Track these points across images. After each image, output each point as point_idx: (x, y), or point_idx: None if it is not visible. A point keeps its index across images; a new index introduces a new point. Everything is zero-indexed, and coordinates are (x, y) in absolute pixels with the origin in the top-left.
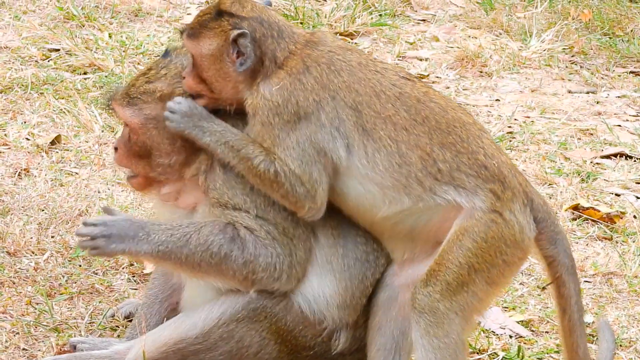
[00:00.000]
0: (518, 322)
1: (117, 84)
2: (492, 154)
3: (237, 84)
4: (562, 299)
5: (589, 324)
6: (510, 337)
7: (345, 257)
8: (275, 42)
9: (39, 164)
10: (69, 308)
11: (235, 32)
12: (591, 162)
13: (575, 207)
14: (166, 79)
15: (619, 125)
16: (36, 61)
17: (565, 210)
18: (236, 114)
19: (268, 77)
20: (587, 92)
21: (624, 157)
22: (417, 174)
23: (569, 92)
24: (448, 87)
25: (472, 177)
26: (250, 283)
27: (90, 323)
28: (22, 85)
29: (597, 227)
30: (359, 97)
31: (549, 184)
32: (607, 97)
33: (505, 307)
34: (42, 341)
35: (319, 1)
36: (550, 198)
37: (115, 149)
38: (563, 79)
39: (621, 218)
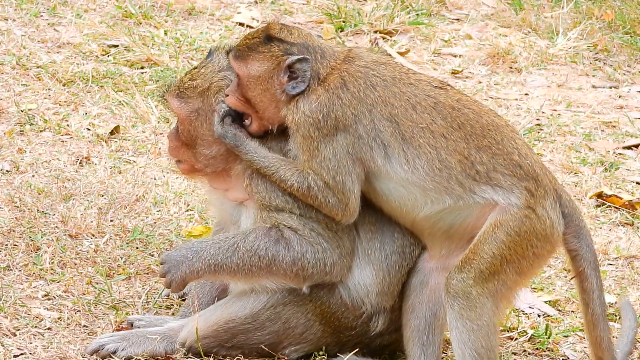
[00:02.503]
0: (546, 302)
1: (172, 78)
2: (525, 154)
3: (279, 104)
4: (585, 293)
5: (611, 303)
6: (539, 316)
7: (383, 250)
8: (319, 63)
9: (99, 152)
10: (126, 287)
11: (294, 57)
12: (614, 153)
13: (599, 195)
14: (205, 76)
15: None
16: (96, 56)
17: (590, 197)
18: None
19: (307, 95)
20: (610, 87)
21: None
22: (457, 176)
23: (593, 87)
24: (480, 82)
25: (508, 177)
26: (302, 279)
27: (146, 302)
28: (84, 79)
29: (620, 213)
30: (395, 109)
31: (575, 173)
32: (628, 91)
33: (534, 288)
34: (102, 318)
35: (360, 1)
36: (576, 186)
37: (168, 139)
38: (587, 75)
39: None
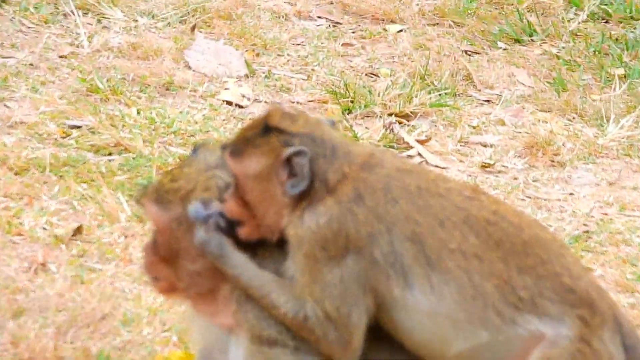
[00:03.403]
0: None
1: (148, 177)
2: (578, 274)
3: (282, 209)
4: None
5: None
6: None
7: None
8: (328, 162)
9: (57, 257)
10: None
11: (290, 150)
12: None
13: None
14: (189, 176)
15: None
16: (55, 139)
17: None
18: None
19: (315, 204)
20: None
21: None
22: (494, 304)
23: None
24: (516, 178)
25: (558, 303)
26: None
27: None
28: (39, 167)
29: None
30: (419, 227)
31: (631, 292)
32: None
33: None
34: None
35: (371, 77)
36: (633, 308)
37: (144, 253)
38: None
39: None
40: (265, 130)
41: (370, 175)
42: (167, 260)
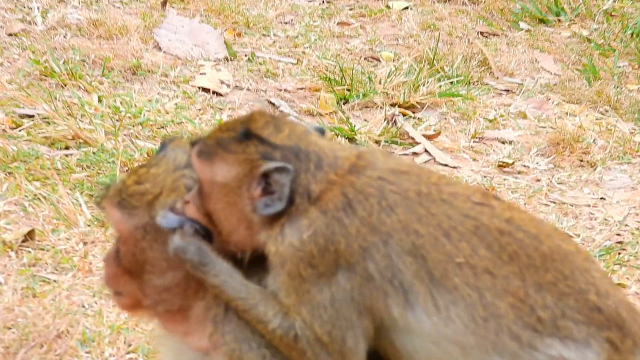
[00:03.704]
0: None
1: (110, 176)
2: (605, 291)
3: (253, 225)
4: None
5: None
6: None
7: None
8: (311, 175)
9: (5, 266)
10: None
11: (270, 165)
12: None
13: None
14: (156, 177)
15: None
16: (4, 130)
17: None
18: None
19: (296, 217)
20: None
21: None
22: (510, 327)
23: None
24: (538, 180)
25: (583, 324)
26: None
27: None
28: None
29: None
30: (420, 239)
31: None
32: None
33: None
34: None
35: (372, 61)
36: None
37: (104, 264)
38: None
39: None
40: (244, 135)
41: (359, 179)
42: (131, 273)
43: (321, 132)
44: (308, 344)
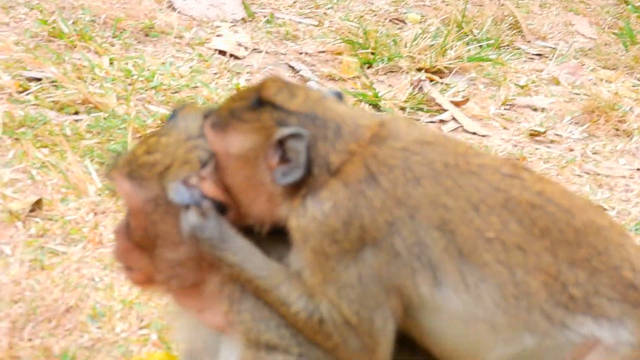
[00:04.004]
0: None
1: (121, 144)
2: None
3: (274, 198)
4: None
5: None
6: None
7: None
8: (330, 144)
9: (12, 237)
10: None
11: (284, 131)
12: None
13: None
14: (167, 147)
15: None
16: (10, 94)
17: None
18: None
19: (317, 190)
20: None
21: None
22: (541, 305)
23: None
24: (572, 150)
25: (617, 302)
26: None
27: None
28: None
29: None
30: (449, 213)
31: None
32: None
33: None
34: None
35: (397, 23)
36: None
37: (115, 237)
38: None
39: None
40: (257, 103)
41: (382, 150)
42: (142, 248)
43: (339, 97)
44: (335, 326)
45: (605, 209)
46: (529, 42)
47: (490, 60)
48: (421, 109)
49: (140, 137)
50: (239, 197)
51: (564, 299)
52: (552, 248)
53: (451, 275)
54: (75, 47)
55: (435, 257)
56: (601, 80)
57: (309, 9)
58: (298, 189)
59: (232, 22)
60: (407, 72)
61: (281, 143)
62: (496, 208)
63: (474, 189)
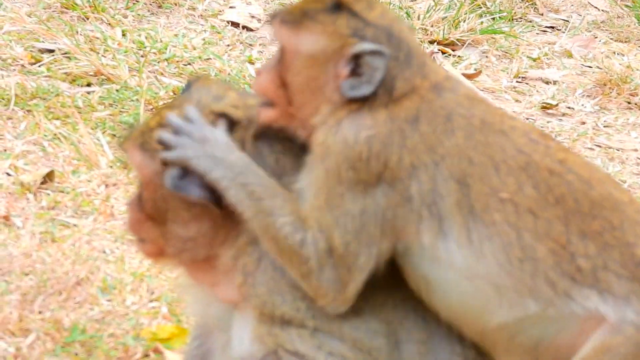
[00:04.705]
0: None
1: (134, 115)
2: None
3: (325, 104)
4: None
5: None
6: None
7: None
8: (400, 67)
9: (23, 209)
10: None
11: (365, 46)
12: None
13: None
14: None
15: None
16: (22, 66)
17: None
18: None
19: (364, 112)
20: None
21: None
22: (547, 272)
23: None
24: (584, 123)
25: (625, 280)
26: None
27: None
28: (3, 99)
29: None
30: (471, 167)
31: None
32: None
33: None
34: None
35: None
36: None
37: (128, 209)
38: None
39: None
40: (334, 6)
41: (439, 99)
42: (154, 220)
43: (409, 27)
44: (316, 252)
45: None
46: (541, 14)
47: (502, 32)
48: None
49: (152, 109)
50: (292, 96)
51: (571, 269)
52: (565, 217)
53: (457, 228)
54: (88, 18)
55: (445, 209)
56: (613, 53)
57: None
58: (347, 106)
59: None
60: (419, 44)
61: (356, 57)
62: (515, 169)
63: (500, 148)
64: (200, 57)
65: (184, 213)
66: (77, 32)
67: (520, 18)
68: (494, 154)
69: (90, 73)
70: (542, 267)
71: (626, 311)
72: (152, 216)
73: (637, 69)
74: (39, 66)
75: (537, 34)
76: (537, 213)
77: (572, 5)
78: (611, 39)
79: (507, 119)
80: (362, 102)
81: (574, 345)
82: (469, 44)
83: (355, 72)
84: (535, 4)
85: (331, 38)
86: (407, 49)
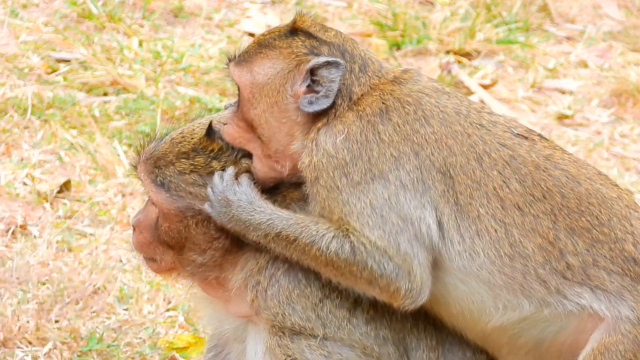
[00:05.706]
0: None
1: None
2: None
3: (294, 128)
4: None
5: None
6: None
7: None
8: (354, 77)
9: (40, 219)
10: None
11: (320, 59)
12: None
13: None
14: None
15: None
16: (39, 75)
17: None
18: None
19: (332, 121)
20: None
21: None
22: (537, 269)
23: None
24: (599, 133)
25: (616, 275)
26: None
27: None
28: (20, 109)
29: None
30: (452, 157)
31: None
32: None
33: None
34: None
35: (426, 5)
36: None
37: (134, 228)
38: None
39: None
40: (290, 32)
41: (400, 89)
42: (169, 246)
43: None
44: (367, 252)
45: (631, 192)
46: (557, 24)
47: (518, 42)
48: None
49: (169, 118)
50: (261, 130)
51: (561, 266)
52: (552, 213)
53: (449, 223)
54: (104, 28)
55: (435, 200)
56: (629, 63)
57: None
58: (315, 122)
59: (261, 4)
60: (435, 55)
61: (312, 72)
62: (499, 163)
63: (481, 140)
64: (216, 67)
65: (204, 244)
66: (94, 42)
67: (536, 28)
68: (474, 145)
69: (107, 83)
70: (531, 264)
71: (620, 308)
72: (167, 243)
73: None
74: (56, 76)
75: (553, 44)
76: (523, 208)
77: (588, 15)
78: (627, 49)
79: (486, 114)
80: (327, 114)
81: (576, 345)
82: (485, 54)
83: (312, 89)
84: (551, 14)
85: (288, 59)
86: (362, 61)
